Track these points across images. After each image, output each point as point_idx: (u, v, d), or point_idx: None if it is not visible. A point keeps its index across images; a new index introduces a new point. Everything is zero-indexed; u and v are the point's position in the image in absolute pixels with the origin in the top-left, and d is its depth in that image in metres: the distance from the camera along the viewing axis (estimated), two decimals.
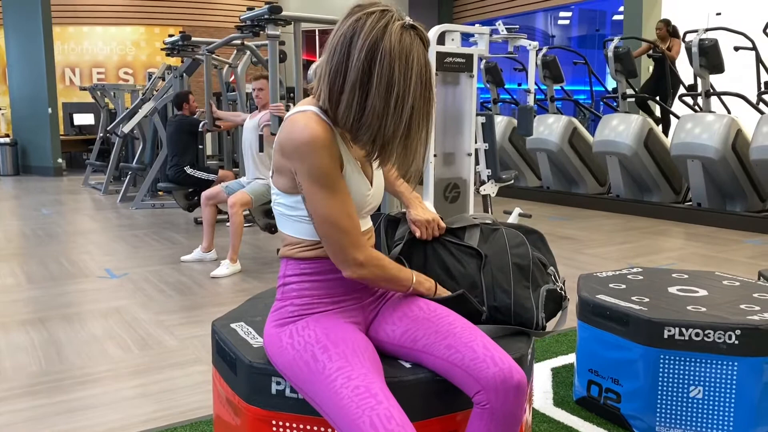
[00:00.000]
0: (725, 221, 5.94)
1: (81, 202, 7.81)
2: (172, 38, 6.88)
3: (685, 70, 6.98)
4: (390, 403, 1.16)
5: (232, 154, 7.34)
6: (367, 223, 1.45)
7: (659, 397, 1.97)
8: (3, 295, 3.78)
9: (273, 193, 1.39)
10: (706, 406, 1.94)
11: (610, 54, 6.76)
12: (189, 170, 5.66)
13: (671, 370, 1.95)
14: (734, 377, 1.90)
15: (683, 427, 1.96)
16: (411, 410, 1.20)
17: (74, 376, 2.59)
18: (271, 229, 4.58)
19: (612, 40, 6.89)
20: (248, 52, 6.13)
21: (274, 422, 1.35)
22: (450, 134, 4.41)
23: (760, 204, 6.07)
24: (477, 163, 4.58)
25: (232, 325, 1.60)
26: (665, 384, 1.96)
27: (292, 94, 5.39)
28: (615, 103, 7.21)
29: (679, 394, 1.95)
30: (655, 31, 7.68)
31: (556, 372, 2.54)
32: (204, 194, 4.56)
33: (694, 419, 1.95)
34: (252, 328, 1.57)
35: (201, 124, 5.94)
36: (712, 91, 6.08)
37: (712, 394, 1.92)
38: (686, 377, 1.94)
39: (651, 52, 7.65)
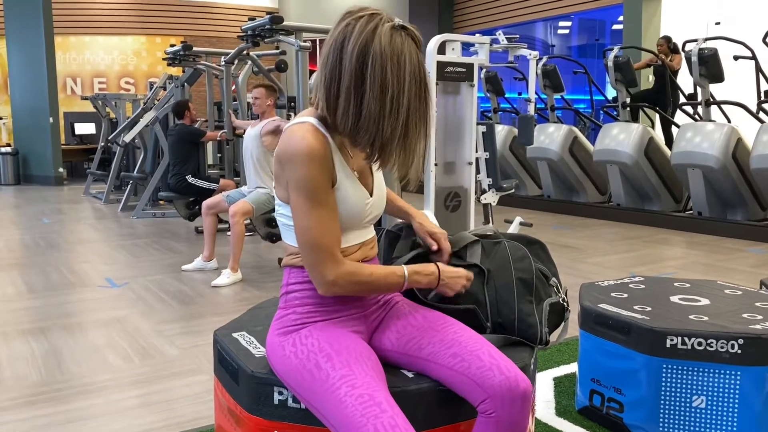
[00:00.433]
0: (726, 230, 5.94)
1: (82, 212, 7.81)
2: (174, 48, 6.92)
3: (685, 80, 7.00)
4: (394, 411, 1.16)
5: (233, 163, 7.35)
6: (369, 233, 1.45)
7: (662, 406, 1.96)
8: (4, 305, 3.78)
9: (276, 203, 1.40)
10: (708, 416, 1.93)
11: (610, 63, 6.79)
12: (190, 179, 5.66)
13: (674, 380, 1.94)
14: (737, 387, 1.90)
15: None
16: (414, 420, 1.20)
17: (75, 386, 2.59)
18: (272, 238, 4.58)
19: (612, 49, 6.92)
20: (249, 62, 6.15)
21: None
22: (451, 143, 4.42)
23: (761, 213, 6.07)
24: (478, 172, 4.58)
25: (234, 335, 1.59)
26: (668, 393, 1.95)
27: (293, 104, 5.41)
28: (615, 112, 7.23)
29: (682, 404, 1.94)
30: (656, 47, 7.72)
31: (558, 381, 2.54)
32: (205, 203, 4.56)
33: (697, 429, 1.94)
34: (254, 338, 1.57)
35: (219, 134, 5.99)
36: (712, 100, 6.10)
37: (714, 403, 1.92)
38: (689, 387, 1.93)
39: (653, 64, 7.69)
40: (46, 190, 10.16)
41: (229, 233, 4.54)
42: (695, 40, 6.02)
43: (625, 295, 2.27)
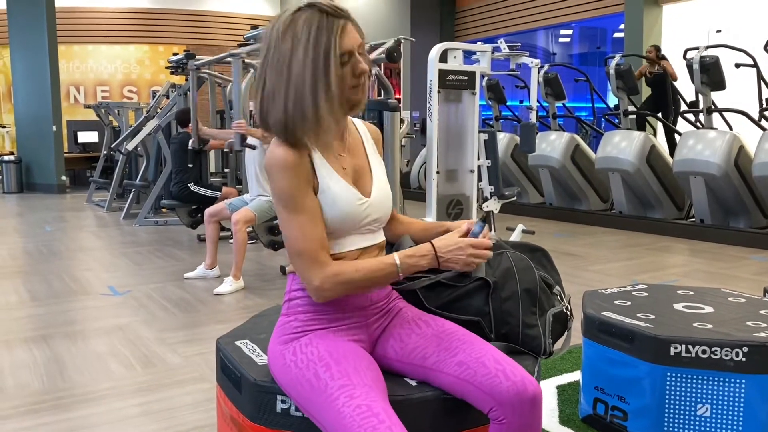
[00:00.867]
0: (729, 237, 5.93)
1: (84, 220, 7.82)
2: (177, 57, 6.94)
3: (685, 87, 7.01)
4: (392, 421, 1.15)
5: (235, 171, 7.37)
6: (373, 239, 1.41)
7: (666, 415, 1.95)
8: (6, 313, 3.78)
9: None
10: (714, 425, 1.92)
11: (611, 71, 6.80)
12: (193, 187, 5.67)
13: (678, 388, 1.93)
14: (742, 395, 1.89)
15: None
16: (418, 429, 1.19)
17: (77, 394, 2.58)
18: (275, 245, 4.58)
19: (613, 57, 6.93)
20: (252, 70, 6.17)
21: None
22: (453, 151, 4.43)
23: (763, 220, 6.06)
24: (480, 179, 4.59)
25: (237, 343, 1.59)
26: (672, 402, 1.94)
27: None
28: (617, 120, 7.24)
29: (687, 412, 1.93)
30: (645, 54, 7.77)
31: (562, 390, 2.53)
32: (207, 211, 4.57)
33: None
34: (257, 346, 1.57)
35: (189, 142, 5.93)
36: (713, 107, 6.10)
37: (719, 412, 1.91)
38: (693, 395, 1.92)
39: (651, 70, 7.71)
40: (49, 198, 10.17)
41: (231, 241, 4.54)
42: (696, 48, 6.03)
43: (629, 303, 2.26)
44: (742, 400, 1.89)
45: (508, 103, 8.61)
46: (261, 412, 1.36)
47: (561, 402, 2.41)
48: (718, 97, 6.20)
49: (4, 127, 12.79)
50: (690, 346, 1.90)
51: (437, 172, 4.20)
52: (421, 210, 4.45)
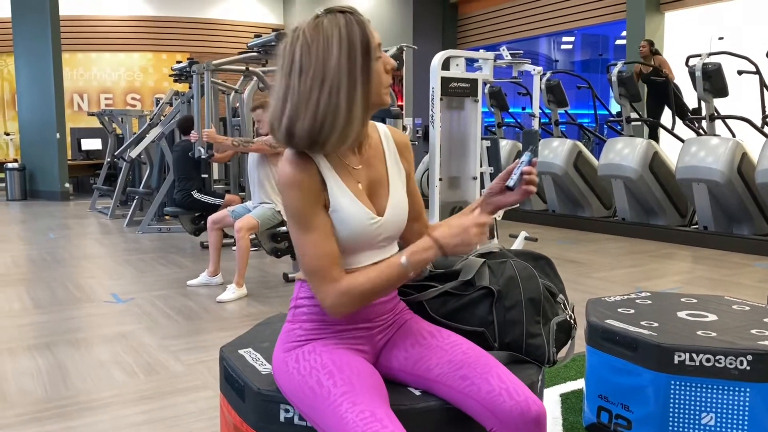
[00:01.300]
0: (732, 244, 5.92)
1: (88, 227, 7.84)
2: (180, 64, 6.97)
3: (688, 93, 7.00)
4: (395, 426, 1.15)
5: (238, 178, 7.38)
6: (389, 251, 1.39)
7: (670, 424, 1.94)
8: (10, 320, 3.78)
9: None
10: None
11: (613, 78, 6.80)
12: (196, 194, 5.68)
13: (682, 397, 1.93)
14: (746, 404, 1.88)
15: None
16: None
17: (80, 401, 2.58)
18: (277, 253, 4.58)
19: (615, 64, 6.94)
20: (255, 78, 6.20)
21: None
22: (455, 158, 4.43)
23: (767, 227, 6.04)
24: (482, 186, 4.59)
25: (240, 351, 1.59)
26: (676, 410, 1.94)
27: None
28: (619, 127, 7.24)
29: (691, 421, 1.93)
30: (639, 49, 7.78)
31: (565, 398, 2.52)
32: (210, 218, 4.57)
33: None
34: (260, 354, 1.57)
35: (195, 150, 5.93)
36: (716, 114, 6.10)
37: (724, 420, 1.90)
38: (698, 404, 1.92)
39: (645, 68, 7.71)
40: (53, 205, 10.20)
41: (234, 248, 4.55)
42: (699, 55, 6.04)
43: (632, 311, 2.26)
44: (746, 408, 1.88)
45: (510, 110, 8.61)
46: (265, 421, 1.36)
47: (564, 410, 2.41)
48: (721, 104, 6.20)
49: (8, 134, 12.84)
50: (694, 355, 1.90)
51: (440, 179, 4.21)
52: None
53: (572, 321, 1.58)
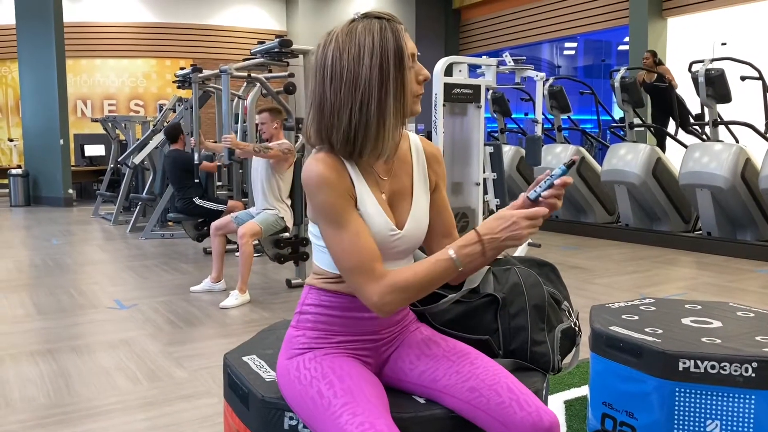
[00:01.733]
0: (736, 250, 5.90)
1: (91, 233, 7.85)
2: (183, 71, 6.98)
3: (691, 99, 7.00)
4: None
5: (241, 184, 7.39)
6: (404, 263, 1.37)
7: (675, 431, 1.93)
8: (13, 326, 3.78)
9: (309, 222, 1.38)
10: None
11: (616, 84, 6.81)
12: (198, 201, 5.69)
13: (687, 404, 1.92)
14: (751, 411, 1.87)
15: None
16: None
17: (83, 408, 2.58)
18: (280, 259, 4.58)
19: (618, 70, 6.94)
20: (258, 84, 6.20)
21: None
22: (458, 164, 4.43)
23: None
24: (485, 192, 4.59)
25: (244, 358, 1.59)
26: (681, 418, 1.93)
27: (300, 125, 5.44)
28: (622, 132, 7.24)
29: (696, 429, 1.92)
30: (642, 61, 7.79)
31: (570, 405, 2.51)
32: (213, 224, 4.58)
33: None
34: (264, 361, 1.56)
35: (196, 157, 5.93)
36: (719, 120, 6.10)
37: (729, 428, 1.89)
38: (702, 411, 1.91)
39: (648, 78, 7.72)
40: (56, 211, 10.22)
41: (237, 254, 4.55)
42: (702, 61, 6.04)
43: (636, 318, 2.25)
44: (751, 416, 1.87)
45: (513, 116, 8.62)
46: (268, 428, 1.36)
47: (569, 417, 2.40)
48: (724, 110, 6.20)
49: (12, 140, 12.88)
50: (698, 362, 1.89)
51: None
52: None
53: (577, 328, 1.57)
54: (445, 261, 1.23)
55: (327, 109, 1.24)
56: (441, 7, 13.08)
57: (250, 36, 13.42)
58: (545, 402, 1.51)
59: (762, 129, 6.05)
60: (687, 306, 2.40)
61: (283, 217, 4.44)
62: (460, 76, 4.41)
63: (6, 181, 11.30)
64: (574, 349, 1.56)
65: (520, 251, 4.84)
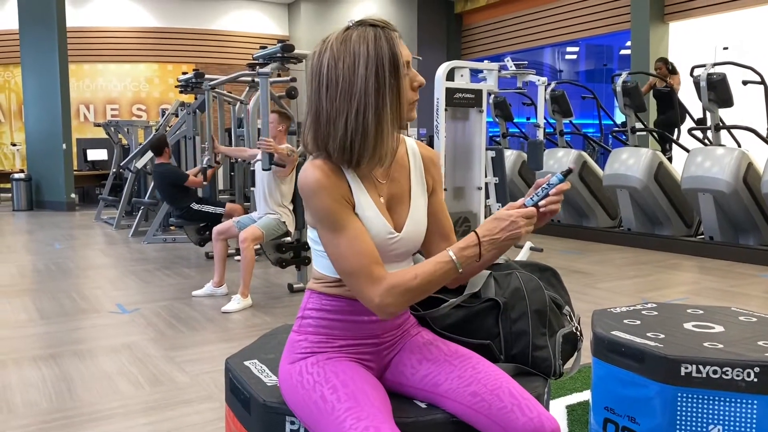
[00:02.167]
0: (738, 255, 5.89)
1: (93, 237, 7.86)
2: (186, 75, 7.00)
3: (693, 103, 7.00)
4: None
5: (243, 188, 7.40)
6: (402, 267, 1.37)
7: None
8: (16, 331, 3.79)
9: (308, 227, 1.38)
10: None
11: (618, 89, 6.81)
12: (195, 206, 5.71)
13: (689, 409, 1.92)
14: (754, 416, 1.87)
15: None
16: None
17: (85, 413, 2.58)
18: (282, 263, 4.58)
19: (620, 74, 6.95)
20: (259, 90, 6.21)
21: None
22: (460, 168, 4.44)
23: None
24: (487, 197, 4.59)
25: (246, 363, 1.59)
26: (683, 423, 1.92)
27: (302, 129, 5.44)
28: (624, 137, 7.24)
29: None
30: (655, 70, 7.79)
31: (571, 410, 2.51)
32: (215, 229, 4.58)
33: None
34: (265, 366, 1.56)
35: (205, 160, 5.95)
36: (721, 124, 6.10)
37: None
38: (705, 416, 1.90)
39: (658, 87, 7.73)
40: (58, 215, 10.24)
41: (238, 258, 4.55)
42: (704, 65, 6.05)
43: (638, 322, 2.24)
44: (754, 421, 1.87)
45: (515, 121, 8.63)
46: None
47: (571, 422, 2.39)
48: (726, 114, 6.20)
49: (15, 145, 12.92)
50: (701, 366, 1.89)
51: (444, 190, 4.20)
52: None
53: (578, 333, 1.57)
54: (445, 263, 1.24)
55: (323, 117, 1.25)
56: (443, 11, 13.10)
57: (253, 41, 13.46)
58: (547, 407, 1.50)
59: (764, 133, 6.04)
60: (689, 311, 2.39)
61: (284, 222, 4.44)
62: (462, 81, 4.41)
63: (9, 186, 11.34)
64: (576, 353, 1.56)
65: (522, 255, 4.84)
